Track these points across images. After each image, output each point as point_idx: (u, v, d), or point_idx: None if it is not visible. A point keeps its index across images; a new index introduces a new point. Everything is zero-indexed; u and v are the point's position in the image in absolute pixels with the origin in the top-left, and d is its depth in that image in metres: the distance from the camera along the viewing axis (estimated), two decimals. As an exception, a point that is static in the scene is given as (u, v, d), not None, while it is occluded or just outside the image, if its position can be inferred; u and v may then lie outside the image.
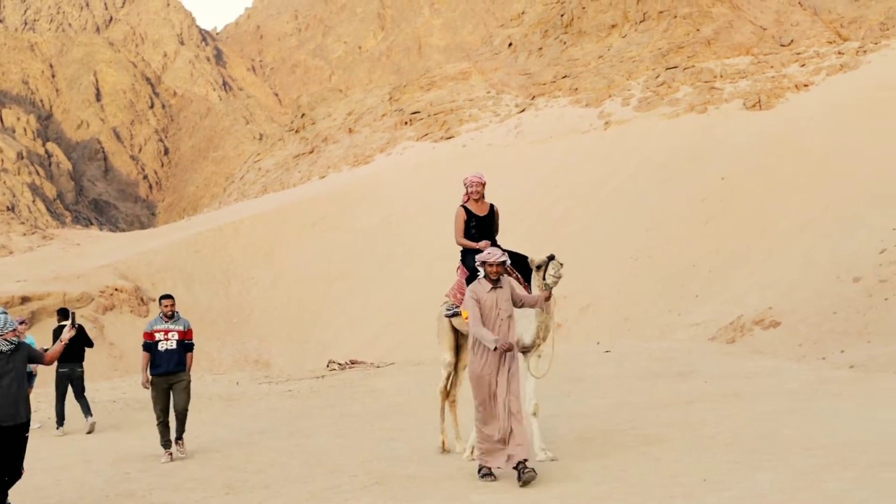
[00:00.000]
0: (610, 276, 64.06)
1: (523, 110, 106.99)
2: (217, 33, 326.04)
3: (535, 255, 14.89)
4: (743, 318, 51.38)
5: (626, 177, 79.42)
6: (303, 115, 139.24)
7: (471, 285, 13.92)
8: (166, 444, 18.70)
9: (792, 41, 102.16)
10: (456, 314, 15.97)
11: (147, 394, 24.14)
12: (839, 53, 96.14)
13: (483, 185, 15.72)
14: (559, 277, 14.30)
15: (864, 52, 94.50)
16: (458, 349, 16.40)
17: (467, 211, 15.62)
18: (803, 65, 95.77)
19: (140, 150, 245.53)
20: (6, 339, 12.95)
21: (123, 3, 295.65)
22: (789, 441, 13.83)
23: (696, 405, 19.06)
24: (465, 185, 15.79)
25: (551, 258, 14.42)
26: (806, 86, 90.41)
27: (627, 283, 62.58)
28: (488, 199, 15.82)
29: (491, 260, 13.68)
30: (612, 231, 70.59)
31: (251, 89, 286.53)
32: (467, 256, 15.60)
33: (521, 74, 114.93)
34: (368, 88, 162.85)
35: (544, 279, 14.40)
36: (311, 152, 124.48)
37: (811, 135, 74.62)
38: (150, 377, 18.88)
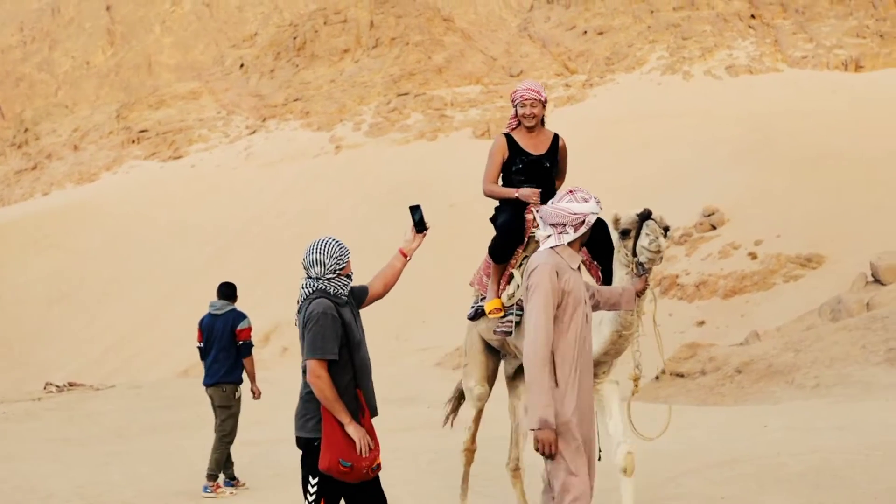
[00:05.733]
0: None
1: (254, 132, 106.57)
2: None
3: (621, 212, 8.52)
4: (468, 345, 52.00)
5: (357, 201, 79.75)
6: (26, 129, 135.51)
7: (541, 259, 7.35)
8: (232, 475, 14.07)
9: (521, 72, 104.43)
10: (480, 314, 10.23)
11: None
12: (567, 86, 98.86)
13: (542, 103, 9.24)
14: (658, 252, 8.05)
15: (591, 85, 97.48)
16: (495, 375, 10.65)
17: (510, 143, 9.34)
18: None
19: None
20: (347, 276, 7.78)
21: None
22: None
23: (418, 431, 19.03)
24: (512, 101, 9.40)
25: (645, 217, 8.20)
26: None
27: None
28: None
29: (586, 209, 7.67)
30: (342, 255, 70.67)
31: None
32: (502, 214, 9.53)
33: (252, 96, 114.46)
34: (96, 105, 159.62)
35: (635, 255, 8.17)
36: (34, 168, 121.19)
37: (537, 165, 76.27)
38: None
